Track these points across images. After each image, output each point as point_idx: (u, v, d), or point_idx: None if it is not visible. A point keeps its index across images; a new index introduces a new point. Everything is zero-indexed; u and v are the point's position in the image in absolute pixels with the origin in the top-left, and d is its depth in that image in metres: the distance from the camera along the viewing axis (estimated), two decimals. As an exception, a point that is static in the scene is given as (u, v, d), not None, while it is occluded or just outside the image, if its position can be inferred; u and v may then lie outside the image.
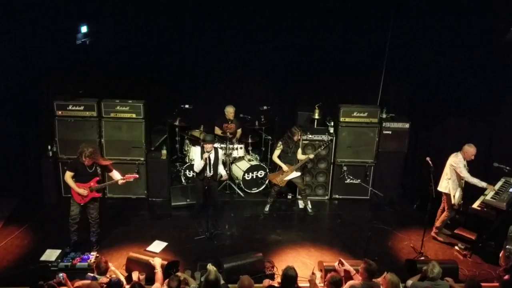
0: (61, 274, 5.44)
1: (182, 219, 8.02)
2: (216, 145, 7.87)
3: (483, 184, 6.98)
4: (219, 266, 6.13)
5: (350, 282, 5.37)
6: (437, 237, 7.46)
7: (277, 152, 7.91)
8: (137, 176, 7.24)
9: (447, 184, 7.13)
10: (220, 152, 7.64)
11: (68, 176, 6.65)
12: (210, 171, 7.31)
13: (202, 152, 7.32)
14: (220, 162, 7.64)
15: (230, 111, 8.94)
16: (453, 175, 7.06)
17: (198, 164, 7.38)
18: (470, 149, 6.97)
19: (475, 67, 8.01)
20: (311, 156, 7.91)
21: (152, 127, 9.14)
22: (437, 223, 7.41)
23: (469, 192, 7.21)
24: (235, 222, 7.98)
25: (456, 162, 6.98)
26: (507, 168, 7.12)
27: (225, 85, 9.53)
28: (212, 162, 7.31)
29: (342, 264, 5.91)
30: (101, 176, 6.79)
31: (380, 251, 7.09)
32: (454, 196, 7.06)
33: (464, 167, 6.97)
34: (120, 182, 6.81)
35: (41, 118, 8.37)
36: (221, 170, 7.74)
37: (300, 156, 8.01)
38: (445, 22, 8.07)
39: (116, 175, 6.86)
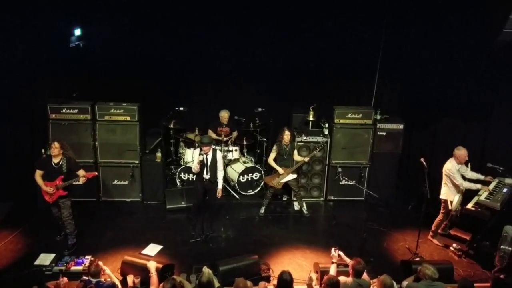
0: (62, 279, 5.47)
1: (177, 222, 8.00)
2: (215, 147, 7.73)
3: (477, 186, 7.03)
4: (215, 268, 6.11)
5: (342, 279, 5.38)
6: (432, 240, 7.48)
7: (272, 155, 7.91)
8: (96, 173, 7.32)
9: (444, 191, 7.16)
10: (219, 154, 7.38)
11: (38, 174, 6.78)
12: (207, 173, 7.27)
13: (201, 153, 7.24)
14: (219, 166, 7.36)
15: (224, 116, 8.93)
16: (448, 182, 7.08)
17: (194, 166, 7.34)
18: (460, 152, 6.97)
19: (468, 68, 8.04)
20: (306, 159, 7.90)
21: (146, 129, 9.11)
22: (432, 227, 7.44)
23: (465, 193, 7.23)
24: (231, 224, 7.98)
25: (449, 169, 7.00)
26: (501, 168, 7.16)
27: (220, 88, 9.54)
28: (209, 163, 7.25)
29: (337, 250, 6.05)
30: (67, 174, 6.77)
31: (376, 252, 7.11)
32: (451, 202, 7.06)
33: (458, 172, 6.99)
34: (81, 180, 6.77)
35: (35, 122, 8.33)
36: (219, 179, 7.41)
37: (296, 157, 8.00)
38: (438, 24, 8.11)
39: (82, 172, 6.84)
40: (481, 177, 7.17)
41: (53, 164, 6.74)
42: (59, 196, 6.78)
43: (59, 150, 6.70)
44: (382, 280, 5.22)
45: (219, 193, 7.47)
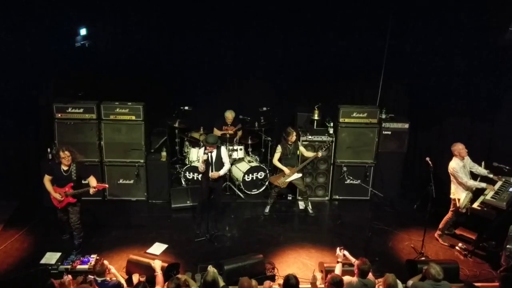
0: (67, 276, 5.50)
1: (182, 221, 8.01)
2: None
3: (482, 185, 7.01)
4: (220, 268, 6.12)
5: (347, 279, 5.38)
6: (439, 239, 7.46)
7: (277, 155, 7.90)
8: (107, 186, 7.27)
9: (453, 189, 7.15)
10: (223, 150, 7.43)
11: (47, 179, 6.71)
12: (212, 171, 7.26)
13: (205, 152, 7.21)
14: (225, 160, 7.39)
15: (229, 116, 8.96)
16: (454, 180, 7.08)
17: (199, 166, 7.34)
18: (457, 147, 7.00)
19: (474, 67, 8.02)
20: (319, 154, 7.89)
21: (151, 129, 9.14)
22: (440, 225, 7.42)
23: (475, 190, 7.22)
24: (236, 223, 7.98)
25: (453, 168, 7.00)
26: (507, 167, 7.12)
27: (225, 87, 9.54)
28: (214, 161, 7.25)
29: (342, 250, 6.02)
30: (76, 182, 6.73)
31: (381, 252, 7.10)
32: (459, 199, 7.06)
33: (462, 170, 6.99)
34: (91, 191, 6.68)
35: (40, 121, 8.38)
36: (223, 170, 7.37)
37: (307, 153, 7.99)
38: (443, 22, 8.08)
39: (93, 181, 6.73)
40: (490, 174, 7.13)
41: (62, 171, 6.65)
42: (68, 202, 6.75)
43: (70, 159, 6.59)
44: (385, 279, 5.24)
45: (214, 175, 7.24)
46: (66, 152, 6.55)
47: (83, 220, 7.07)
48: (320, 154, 7.92)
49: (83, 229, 7.02)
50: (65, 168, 6.65)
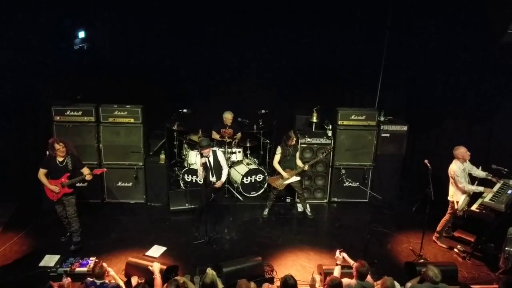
0: (66, 279, 5.50)
1: (181, 223, 8.01)
2: (214, 148, 7.72)
3: (480, 189, 6.99)
4: (219, 270, 6.12)
5: (346, 281, 5.38)
6: (437, 241, 7.46)
7: (277, 157, 7.90)
8: (105, 170, 7.48)
9: (451, 192, 7.15)
10: (220, 154, 7.48)
11: (41, 173, 6.86)
12: (213, 176, 7.29)
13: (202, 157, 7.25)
14: (224, 165, 7.44)
15: (228, 117, 8.93)
16: (453, 183, 7.08)
17: (198, 172, 7.34)
18: (460, 151, 6.98)
19: (472, 69, 8.03)
20: (306, 167, 7.90)
21: (150, 131, 9.14)
22: (438, 227, 7.42)
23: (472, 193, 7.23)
24: (234, 226, 7.97)
25: (454, 171, 6.98)
26: (505, 170, 7.13)
27: (223, 89, 9.55)
28: (212, 165, 7.27)
29: (341, 252, 6.01)
30: (72, 172, 6.88)
31: (379, 254, 7.10)
32: (457, 202, 7.05)
33: (462, 173, 6.97)
34: (87, 177, 6.86)
35: (39, 124, 8.37)
36: (223, 175, 7.44)
37: (298, 162, 8.01)
38: (442, 24, 8.11)
39: (86, 170, 6.94)
40: (489, 176, 7.14)
41: (58, 162, 6.80)
42: (64, 193, 6.84)
43: (65, 150, 6.77)
44: (383, 281, 5.24)
45: (218, 184, 7.37)
46: (61, 144, 6.74)
47: (82, 222, 7.09)
48: (306, 167, 7.91)
49: (80, 225, 7.06)
50: (60, 159, 6.80)
